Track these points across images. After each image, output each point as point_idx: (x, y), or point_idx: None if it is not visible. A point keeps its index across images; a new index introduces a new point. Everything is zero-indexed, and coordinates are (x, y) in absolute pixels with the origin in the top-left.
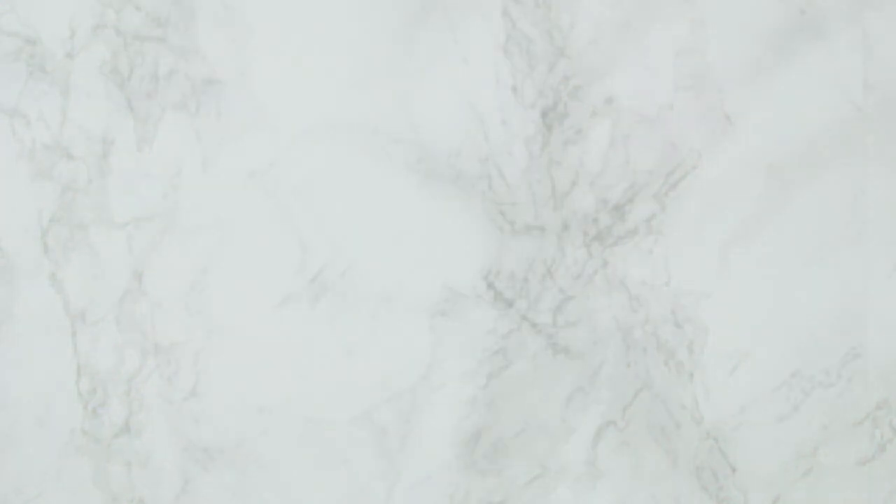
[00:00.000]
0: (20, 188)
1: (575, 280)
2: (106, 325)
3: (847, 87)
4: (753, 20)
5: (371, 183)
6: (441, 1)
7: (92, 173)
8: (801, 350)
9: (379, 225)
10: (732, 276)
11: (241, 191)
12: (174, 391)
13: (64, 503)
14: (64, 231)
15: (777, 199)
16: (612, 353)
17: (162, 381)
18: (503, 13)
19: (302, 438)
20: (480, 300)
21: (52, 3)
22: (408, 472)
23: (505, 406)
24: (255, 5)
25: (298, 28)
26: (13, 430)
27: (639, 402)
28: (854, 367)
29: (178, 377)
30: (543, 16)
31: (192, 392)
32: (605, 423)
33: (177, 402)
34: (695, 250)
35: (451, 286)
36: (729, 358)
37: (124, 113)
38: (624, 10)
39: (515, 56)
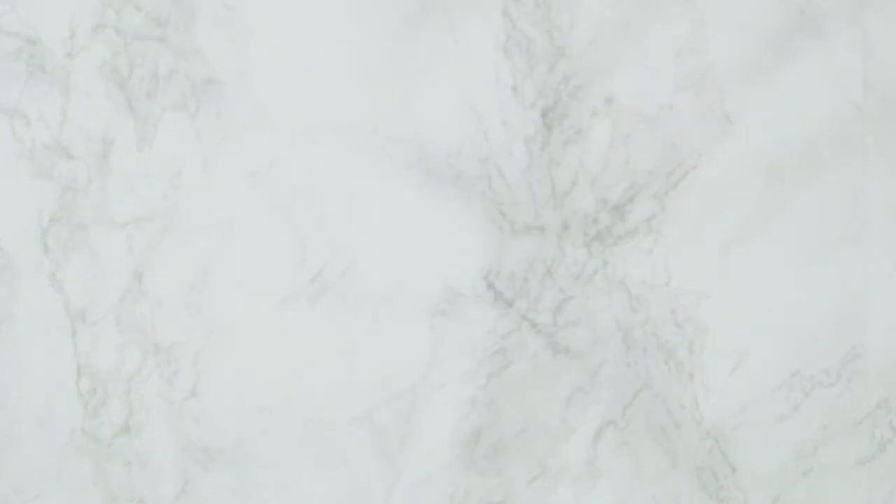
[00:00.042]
0: (20, 188)
1: (575, 280)
2: (106, 325)
3: (847, 87)
4: (753, 20)
5: (371, 183)
6: (441, 1)
7: (92, 173)
8: (801, 350)
9: (379, 225)
10: (732, 276)
11: (241, 191)
12: (174, 391)
13: (64, 503)
14: (64, 231)
15: (777, 199)
16: (612, 353)
17: (162, 381)
18: (503, 13)
19: (302, 438)
20: (480, 300)
21: (52, 3)
22: (408, 472)
23: (505, 406)
24: (255, 5)
25: (298, 28)
26: (13, 430)
27: (639, 402)
28: (854, 367)
29: (178, 377)
30: (543, 16)
31: (192, 392)
32: (605, 423)
33: (177, 402)
34: (695, 250)
35: (451, 286)
36: (729, 358)
37: (124, 113)
38: (624, 10)
39: (515, 56)
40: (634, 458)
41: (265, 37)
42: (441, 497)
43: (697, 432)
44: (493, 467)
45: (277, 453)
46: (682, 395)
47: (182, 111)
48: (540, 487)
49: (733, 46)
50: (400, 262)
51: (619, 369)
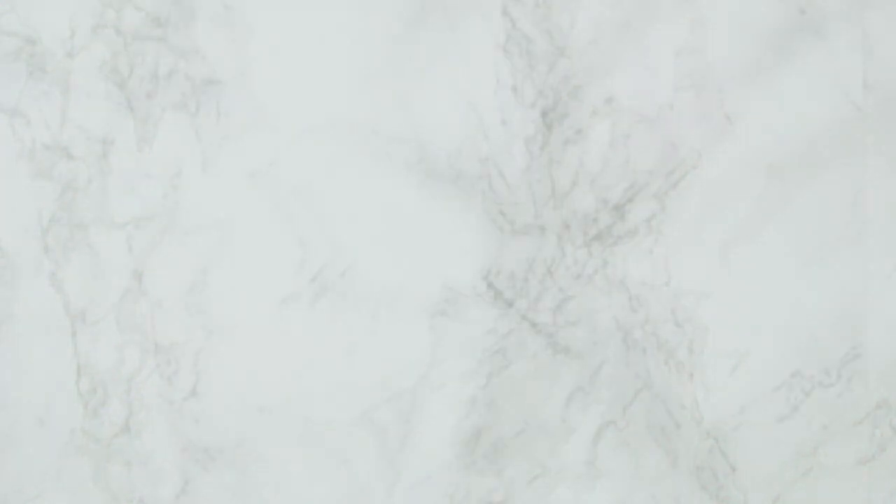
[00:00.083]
0: (20, 188)
1: (575, 280)
2: (106, 325)
3: (847, 87)
4: (753, 20)
5: (371, 183)
6: (441, 1)
7: (92, 173)
8: (801, 350)
9: (379, 225)
10: (732, 276)
11: (241, 191)
12: (174, 391)
13: (64, 503)
14: (64, 231)
15: (777, 199)
16: (612, 353)
17: (162, 381)
18: (503, 13)
19: (302, 438)
20: (480, 300)
21: (52, 3)
22: (408, 472)
23: (505, 406)
24: (255, 5)
25: (298, 28)
26: (13, 430)
27: (639, 402)
28: (854, 367)
29: (178, 377)
30: (543, 16)
31: (192, 392)
32: (605, 423)
33: (177, 402)
34: (695, 250)
35: (451, 286)
36: (729, 358)
37: (124, 113)
38: (624, 10)
39: (515, 56)
40: (634, 458)
41: (265, 37)
42: (441, 497)
43: (697, 432)
44: (493, 467)
45: (277, 453)
46: (682, 395)
47: (182, 111)
48: (540, 487)
49: (733, 46)
50: (400, 261)
51: (619, 369)
